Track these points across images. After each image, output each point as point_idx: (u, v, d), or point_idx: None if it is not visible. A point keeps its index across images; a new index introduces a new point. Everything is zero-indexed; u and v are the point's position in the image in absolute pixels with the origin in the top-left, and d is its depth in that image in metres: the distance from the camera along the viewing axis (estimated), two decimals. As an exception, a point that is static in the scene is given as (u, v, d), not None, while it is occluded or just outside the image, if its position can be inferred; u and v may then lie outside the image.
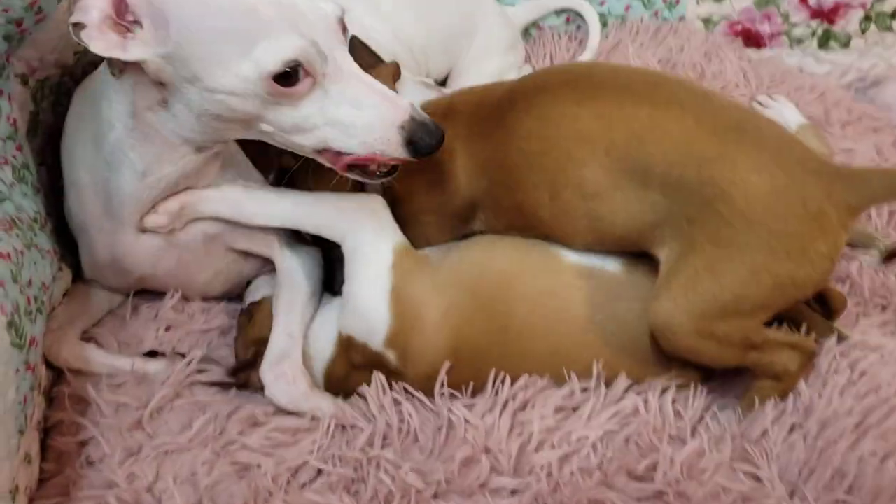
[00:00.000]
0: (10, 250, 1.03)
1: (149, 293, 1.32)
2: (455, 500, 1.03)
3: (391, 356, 1.13)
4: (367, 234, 1.15)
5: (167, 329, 1.27)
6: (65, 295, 1.25)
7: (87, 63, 1.32)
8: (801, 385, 1.10)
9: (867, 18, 1.79)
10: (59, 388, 1.15)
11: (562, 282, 1.14)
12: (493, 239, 1.19)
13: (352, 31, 1.38)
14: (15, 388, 0.97)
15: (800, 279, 1.02)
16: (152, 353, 1.22)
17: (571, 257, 1.15)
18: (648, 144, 1.03)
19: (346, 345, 1.15)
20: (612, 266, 1.14)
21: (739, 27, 1.81)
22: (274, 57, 0.93)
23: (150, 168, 1.09)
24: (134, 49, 0.95)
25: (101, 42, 0.94)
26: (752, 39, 1.82)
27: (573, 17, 1.82)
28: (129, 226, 1.16)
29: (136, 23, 0.95)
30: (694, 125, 1.03)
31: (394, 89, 1.14)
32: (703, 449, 1.06)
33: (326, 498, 1.02)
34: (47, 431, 1.11)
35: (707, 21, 1.81)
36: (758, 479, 1.04)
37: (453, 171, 1.15)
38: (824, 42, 1.82)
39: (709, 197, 1.00)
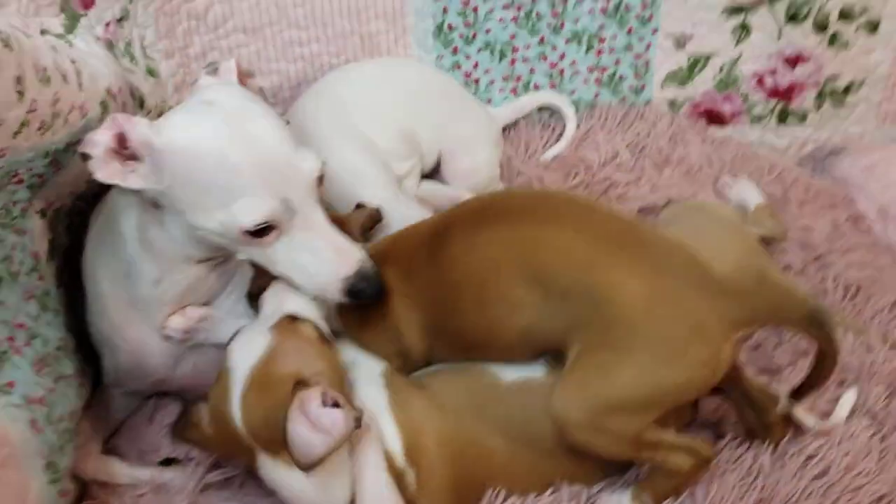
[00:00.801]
0: (43, 392, 1.13)
1: (163, 397, 1.41)
2: None
3: (410, 476, 1.13)
4: (359, 353, 1.25)
5: (181, 435, 1.36)
6: (85, 406, 1.34)
7: (99, 186, 1.43)
8: (765, 461, 1.20)
9: (821, 95, 1.90)
10: (86, 503, 1.24)
11: (508, 403, 1.20)
12: (452, 370, 1.26)
13: (354, 137, 1.54)
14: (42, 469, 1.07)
15: (681, 384, 1.08)
16: (168, 461, 1.31)
17: (506, 377, 1.21)
18: (538, 258, 1.12)
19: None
20: (538, 373, 1.20)
21: (702, 108, 1.92)
22: (247, 217, 1.07)
23: (163, 276, 1.21)
24: (133, 180, 1.09)
25: (104, 171, 1.08)
26: (715, 118, 1.93)
27: (545, 108, 1.92)
28: (152, 330, 1.27)
29: (138, 157, 1.08)
30: (573, 236, 1.12)
31: (363, 235, 1.33)
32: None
33: None
34: (78, 544, 1.20)
35: (672, 103, 1.92)
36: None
37: (391, 308, 1.24)
38: (782, 118, 1.93)
39: (596, 301, 1.08)
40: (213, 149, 1.06)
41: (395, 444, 1.15)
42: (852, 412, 1.31)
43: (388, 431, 1.15)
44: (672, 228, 1.52)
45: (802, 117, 1.93)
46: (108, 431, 1.37)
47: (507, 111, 1.90)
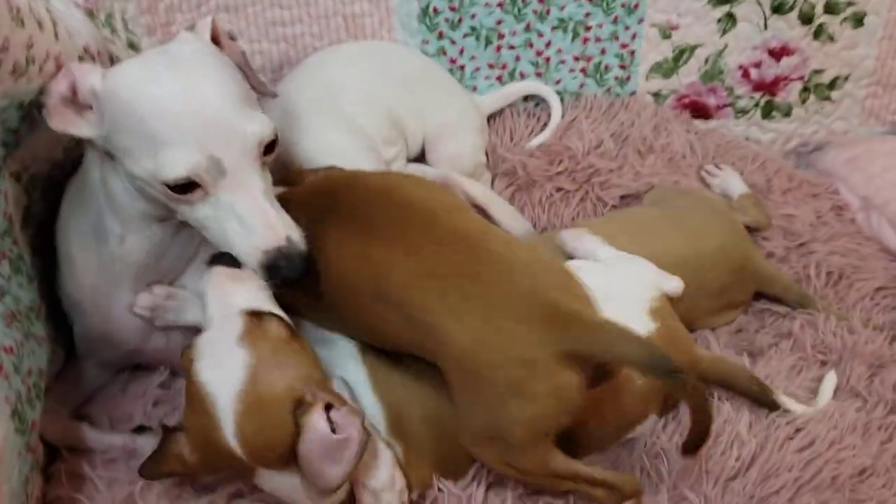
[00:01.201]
0: (12, 343, 1.10)
1: (137, 370, 1.39)
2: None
3: (398, 450, 1.14)
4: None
5: (154, 404, 1.34)
6: (57, 375, 1.33)
7: (77, 157, 1.42)
8: (743, 432, 1.20)
9: (806, 89, 1.90)
10: (55, 466, 1.22)
11: None
12: None
13: (338, 118, 1.51)
14: (18, 470, 1.04)
15: (532, 417, 1.04)
16: (141, 429, 1.29)
17: None
18: (388, 283, 1.10)
19: None
20: None
21: (687, 100, 1.92)
22: (168, 169, 1.04)
23: (126, 234, 1.20)
24: (82, 127, 1.09)
25: (57, 120, 1.09)
26: (699, 111, 1.93)
27: (531, 96, 1.91)
28: (121, 296, 1.25)
29: (89, 106, 1.08)
30: (415, 270, 1.09)
31: None
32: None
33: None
34: (46, 507, 1.17)
35: (657, 95, 1.91)
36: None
37: None
38: (767, 112, 1.93)
39: (436, 340, 1.07)
40: (148, 94, 1.05)
41: (379, 420, 1.15)
42: (836, 390, 1.31)
43: (369, 407, 1.15)
44: (656, 210, 1.52)
45: (787, 112, 1.93)
46: (78, 400, 1.35)
47: (493, 99, 1.89)
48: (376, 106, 1.61)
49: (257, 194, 1.08)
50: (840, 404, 1.28)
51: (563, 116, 1.87)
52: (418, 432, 1.16)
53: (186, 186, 1.05)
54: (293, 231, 1.10)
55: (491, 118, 1.89)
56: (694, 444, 1.07)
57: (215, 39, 1.17)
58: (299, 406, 0.99)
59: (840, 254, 1.62)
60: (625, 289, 1.25)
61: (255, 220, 1.07)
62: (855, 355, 1.36)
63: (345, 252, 1.14)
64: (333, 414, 0.99)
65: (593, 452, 1.21)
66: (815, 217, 1.70)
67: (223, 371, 1.00)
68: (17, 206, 1.29)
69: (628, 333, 1.04)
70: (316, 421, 0.97)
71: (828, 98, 1.92)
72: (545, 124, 1.88)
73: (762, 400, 1.26)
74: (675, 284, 1.29)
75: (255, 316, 1.06)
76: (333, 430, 0.98)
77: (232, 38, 1.19)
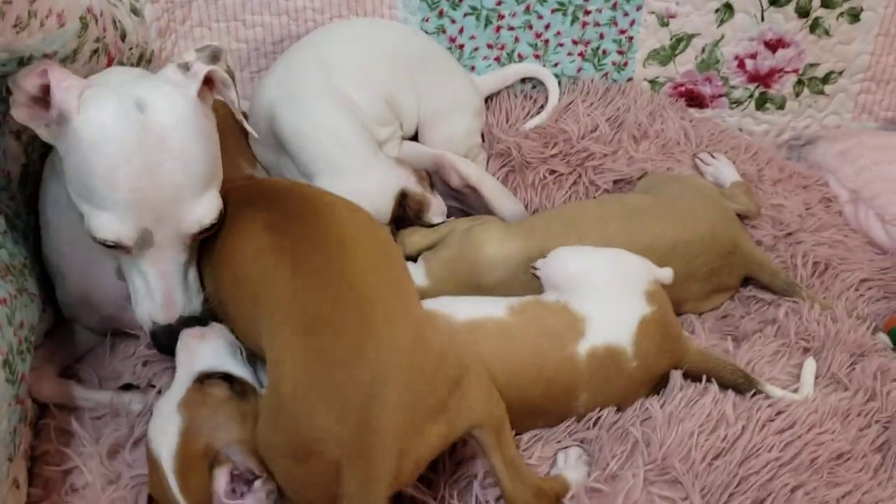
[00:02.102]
0: (5, 295, 1.12)
1: (127, 333, 1.40)
2: None
3: None
4: None
5: (144, 364, 1.35)
6: (47, 335, 1.34)
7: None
8: (729, 412, 1.21)
9: (800, 83, 1.92)
10: (44, 421, 1.24)
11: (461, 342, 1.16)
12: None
13: (333, 96, 1.52)
14: (7, 419, 1.06)
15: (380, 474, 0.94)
16: (128, 387, 1.30)
17: (460, 315, 1.21)
18: (262, 289, 1.10)
19: None
20: (498, 311, 1.24)
21: (683, 88, 1.94)
22: (99, 230, 1.08)
23: None
24: (42, 130, 1.11)
25: (20, 112, 1.09)
26: (695, 100, 1.95)
27: (528, 78, 1.92)
28: (95, 260, 1.27)
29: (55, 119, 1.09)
30: (288, 294, 1.07)
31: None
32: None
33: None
34: (34, 460, 1.19)
35: (653, 82, 1.93)
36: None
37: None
38: (761, 104, 1.95)
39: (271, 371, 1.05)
40: (108, 156, 1.05)
41: None
42: (817, 377, 1.33)
43: None
44: (648, 197, 1.53)
45: (781, 104, 1.95)
46: (68, 360, 1.36)
47: (491, 80, 1.89)
48: (372, 86, 1.61)
49: (174, 270, 1.14)
50: (821, 390, 1.29)
51: (559, 99, 1.88)
52: None
53: (114, 246, 1.10)
54: (193, 306, 1.17)
55: (488, 99, 1.89)
56: None
57: (209, 82, 1.15)
58: (216, 464, 1.03)
59: (827, 244, 1.64)
60: (623, 272, 1.29)
61: (158, 294, 1.14)
62: (837, 343, 1.38)
63: (246, 247, 1.15)
64: (236, 478, 1.02)
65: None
66: (804, 208, 1.72)
67: (163, 435, 1.05)
68: (15, 164, 1.31)
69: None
70: (217, 477, 1.02)
71: (821, 92, 1.94)
72: (542, 106, 1.88)
73: (747, 391, 1.26)
74: (666, 274, 1.32)
75: (201, 381, 1.10)
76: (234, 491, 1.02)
77: (226, 85, 1.16)
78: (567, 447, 1.21)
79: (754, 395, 1.25)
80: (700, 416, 1.19)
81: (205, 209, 1.10)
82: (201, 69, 1.12)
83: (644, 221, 1.44)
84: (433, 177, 1.60)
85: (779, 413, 1.22)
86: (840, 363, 1.35)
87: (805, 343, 1.40)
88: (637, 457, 1.17)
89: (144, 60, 1.54)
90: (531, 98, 1.91)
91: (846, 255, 1.63)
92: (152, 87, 1.10)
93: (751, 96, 1.94)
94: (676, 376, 1.25)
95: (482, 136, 1.83)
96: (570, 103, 1.86)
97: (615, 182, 1.74)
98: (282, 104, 1.50)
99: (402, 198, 1.52)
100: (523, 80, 1.93)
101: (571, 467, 1.16)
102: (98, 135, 1.05)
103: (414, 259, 1.48)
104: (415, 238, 1.52)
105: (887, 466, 1.21)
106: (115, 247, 1.10)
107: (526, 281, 1.37)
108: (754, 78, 1.92)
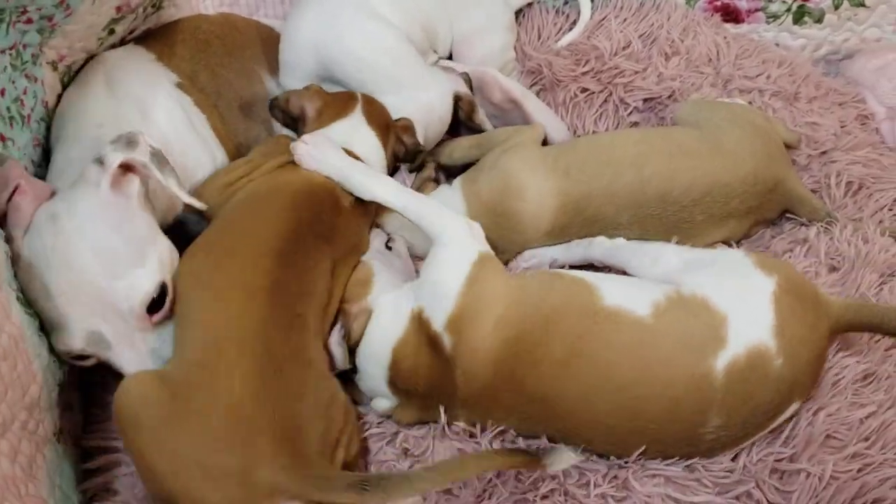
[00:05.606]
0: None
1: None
2: None
3: (447, 340, 1.15)
4: (463, 233, 1.23)
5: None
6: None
7: (109, 46, 1.45)
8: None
9: (840, -6, 1.88)
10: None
11: (594, 327, 1.14)
12: (553, 274, 1.25)
13: (382, 21, 1.53)
14: (47, 348, 1.10)
15: None
16: None
17: (607, 299, 1.16)
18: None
19: (417, 320, 1.19)
20: (642, 308, 1.15)
21: (719, 3, 1.90)
22: (61, 347, 1.10)
23: None
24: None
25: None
26: (731, 15, 1.91)
27: (561, -7, 1.89)
28: None
29: None
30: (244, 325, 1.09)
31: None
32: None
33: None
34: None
35: (689, -4, 1.90)
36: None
37: None
38: (799, 18, 1.91)
39: None
40: (38, 275, 1.08)
41: (440, 312, 1.17)
42: (846, 297, 1.34)
43: (441, 302, 1.18)
44: (694, 132, 1.49)
45: (819, 18, 1.91)
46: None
47: None
48: (408, 8, 1.61)
49: (144, 360, 1.11)
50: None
51: (592, 15, 1.85)
52: (484, 339, 1.16)
53: (80, 356, 1.12)
54: None
55: (519, 14, 1.87)
56: None
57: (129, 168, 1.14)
58: None
59: (861, 163, 1.62)
60: (723, 263, 1.22)
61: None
62: (867, 263, 1.38)
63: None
64: None
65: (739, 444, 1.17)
66: (840, 126, 1.69)
67: None
68: (52, 95, 1.33)
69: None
70: None
71: (862, 4, 1.89)
72: (574, 22, 1.86)
73: None
74: None
75: None
76: None
77: (146, 167, 1.13)
78: None
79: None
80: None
81: (138, 290, 1.10)
82: (113, 161, 1.10)
83: (685, 161, 1.42)
84: (475, 94, 1.63)
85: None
86: (869, 283, 1.36)
87: (834, 262, 1.41)
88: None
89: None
90: (563, 14, 1.88)
91: (880, 173, 1.61)
92: (64, 197, 1.12)
93: (788, 10, 1.90)
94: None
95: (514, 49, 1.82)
96: (602, 19, 1.84)
97: (645, 101, 1.72)
98: (327, 33, 1.51)
99: (457, 101, 1.58)
100: (555, -5, 1.90)
101: None
102: (28, 254, 1.09)
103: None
104: (463, 143, 1.57)
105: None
106: (86, 357, 1.12)
107: (562, 236, 1.42)
108: (792, -9, 1.88)
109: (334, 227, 1.27)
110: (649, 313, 1.13)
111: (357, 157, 1.36)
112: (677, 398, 1.09)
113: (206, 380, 1.03)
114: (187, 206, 1.22)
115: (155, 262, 1.12)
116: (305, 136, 1.32)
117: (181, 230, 1.31)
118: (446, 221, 1.25)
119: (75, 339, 1.08)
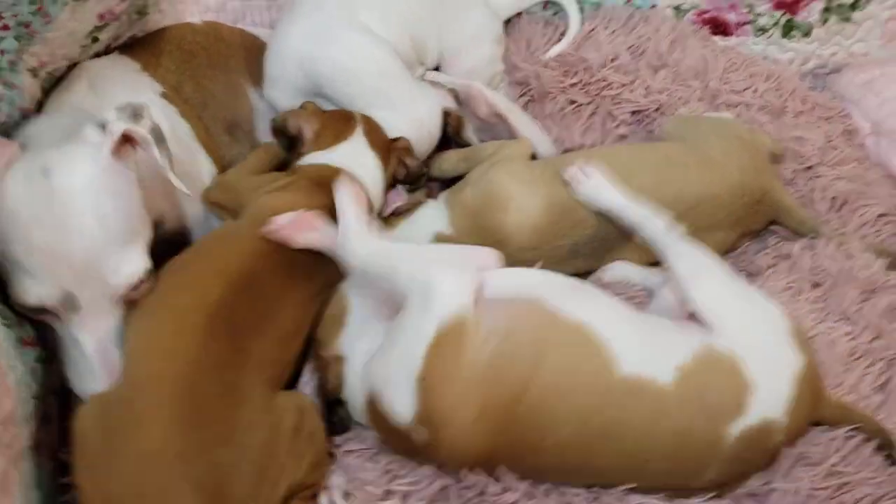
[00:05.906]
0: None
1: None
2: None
3: (419, 433, 1.05)
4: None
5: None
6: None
7: (93, 54, 1.44)
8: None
9: (827, 10, 1.88)
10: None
11: (609, 401, 1.05)
12: (547, 325, 1.08)
13: (369, 34, 1.52)
14: (21, 360, 1.09)
15: None
16: None
17: (625, 367, 1.05)
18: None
19: (373, 411, 1.10)
20: (664, 375, 1.06)
21: (707, 16, 1.90)
22: (20, 294, 1.07)
23: None
24: None
25: None
26: (719, 28, 1.91)
27: (550, 4, 1.89)
28: None
29: None
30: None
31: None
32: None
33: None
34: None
35: (677, 9, 1.89)
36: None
37: None
38: (787, 31, 1.91)
39: None
40: (21, 222, 1.05)
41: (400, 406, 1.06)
42: (827, 313, 1.34)
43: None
44: (680, 145, 1.49)
45: (807, 32, 1.91)
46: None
47: (511, 3, 1.86)
48: (396, 21, 1.59)
49: (107, 336, 1.10)
50: (830, 327, 1.32)
51: (581, 27, 1.85)
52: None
53: (38, 310, 1.09)
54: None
55: (508, 25, 1.87)
56: None
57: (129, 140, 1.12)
58: None
59: (847, 178, 1.62)
60: (765, 324, 1.15)
61: (96, 364, 1.10)
62: (850, 279, 1.38)
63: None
64: None
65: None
66: (826, 141, 1.69)
67: None
68: (32, 102, 1.32)
69: None
70: None
71: (849, 19, 1.90)
72: (562, 33, 1.85)
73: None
74: None
75: None
76: None
77: (146, 142, 1.12)
78: None
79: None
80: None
81: (128, 267, 1.09)
82: (117, 128, 1.09)
83: (673, 173, 1.42)
84: (462, 108, 1.62)
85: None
86: (851, 300, 1.35)
87: (816, 278, 1.41)
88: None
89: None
90: (552, 25, 1.87)
91: (865, 189, 1.61)
92: (60, 152, 1.09)
93: (776, 24, 1.90)
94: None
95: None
96: (591, 30, 1.83)
97: (633, 113, 1.72)
98: (315, 46, 1.49)
99: (445, 116, 1.58)
100: (545, 6, 1.89)
101: None
102: (11, 201, 1.05)
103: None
104: (452, 157, 1.57)
105: (888, 406, 1.23)
106: (44, 312, 1.09)
107: (551, 250, 1.40)
108: (780, 5, 1.87)
109: (318, 261, 1.24)
110: (672, 380, 1.05)
111: (358, 181, 1.33)
112: (684, 458, 1.07)
113: (132, 421, 1.01)
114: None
115: (144, 245, 1.12)
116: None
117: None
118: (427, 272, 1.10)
119: (47, 294, 1.06)
